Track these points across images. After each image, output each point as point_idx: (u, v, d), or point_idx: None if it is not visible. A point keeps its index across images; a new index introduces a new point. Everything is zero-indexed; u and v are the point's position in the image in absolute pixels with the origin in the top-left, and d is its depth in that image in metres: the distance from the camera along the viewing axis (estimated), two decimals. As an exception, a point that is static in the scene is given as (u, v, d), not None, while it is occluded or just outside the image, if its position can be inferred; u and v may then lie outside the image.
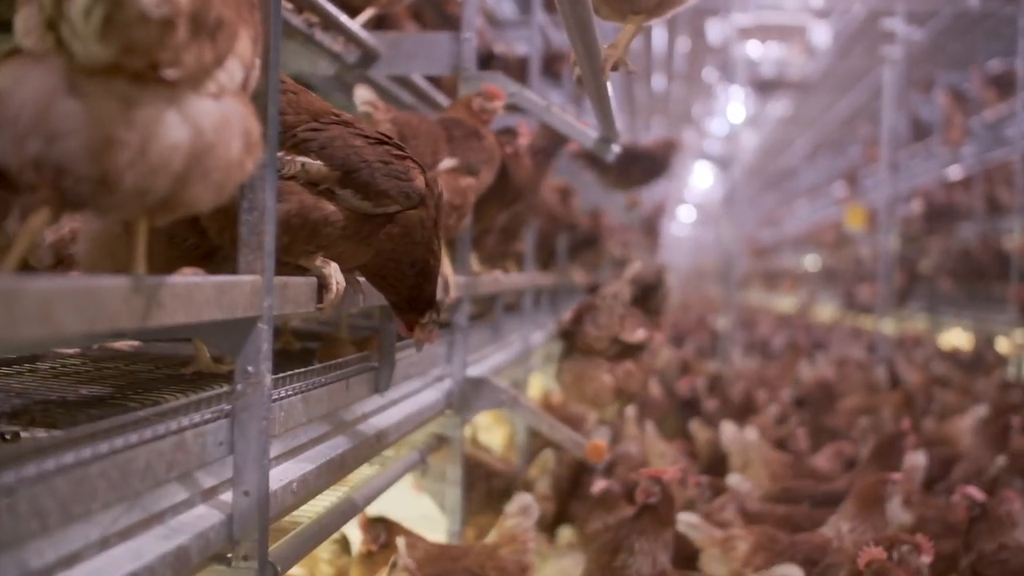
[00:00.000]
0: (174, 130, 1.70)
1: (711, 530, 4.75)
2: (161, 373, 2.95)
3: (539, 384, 8.99)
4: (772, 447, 6.93)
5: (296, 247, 2.74)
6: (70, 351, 3.31)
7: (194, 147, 1.73)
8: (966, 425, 7.57)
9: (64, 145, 1.61)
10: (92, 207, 1.73)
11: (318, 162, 2.72)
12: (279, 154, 2.63)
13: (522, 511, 4.34)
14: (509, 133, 4.83)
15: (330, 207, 2.75)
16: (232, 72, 1.84)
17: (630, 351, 5.46)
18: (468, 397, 4.74)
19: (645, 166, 9.84)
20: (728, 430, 6.88)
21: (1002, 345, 13.04)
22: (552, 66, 8.03)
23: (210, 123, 1.76)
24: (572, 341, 5.47)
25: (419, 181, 2.91)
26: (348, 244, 2.84)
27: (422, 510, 5.37)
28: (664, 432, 7.73)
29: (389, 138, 2.94)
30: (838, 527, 4.82)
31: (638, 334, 5.45)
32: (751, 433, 6.90)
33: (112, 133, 1.63)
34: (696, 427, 7.73)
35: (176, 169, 1.71)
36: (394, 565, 3.87)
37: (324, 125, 2.79)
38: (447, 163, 3.93)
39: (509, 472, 6.01)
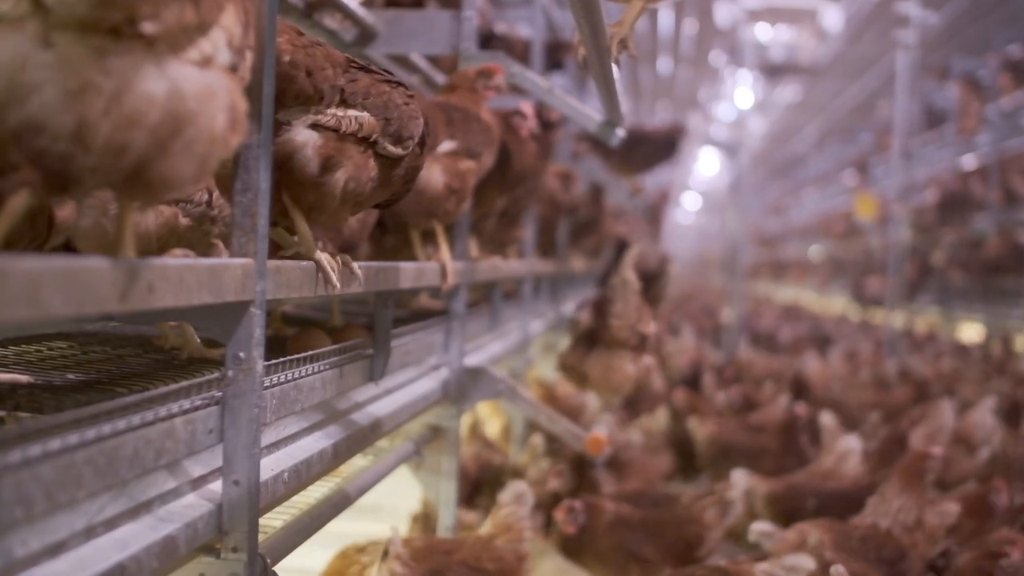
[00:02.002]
0: (150, 82, 1.69)
1: (783, 533, 4.80)
2: (150, 358, 2.95)
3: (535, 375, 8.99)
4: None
5: (343, 212, 2.78)
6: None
7: (173, 109, 1.73)
8: (978, 419, 7.60)
9: (38, 98, 1.60)
10: (71, 175, 1.72)
11: (365, 113, 2.73)
12: (331, 111, 2.66)
13: (516, 499, 4.32)
14: (519, 115, 4.82)
15: (372, 161, 2.77)
16: (216, 43, 1.84)
17: (644, 341, 5.74)
18: (465, 387, 4.75)
19: (649, 150, 9.82)
20: (827, 419, 7.17)
21: (1019, 341, 13.05)
22: (556, 55, 8.00)
23: (192, 90, 1.76)
24: (595, 336, 5.69)
25: (422, 118, 2.97)
26: (376, 193, 2.87)
27: (417, 503, 5.38)
28: (660, 422, 7.83)
29: (397, 77, 2.97)
30: (887, 507, 4.93)
31: (651, 326, 5.75)
32: (827, 418, 7.10)
33: (86, 79, 1.62)
34: (694, 424, 7.72)
35: (152, 123, 1.71)
36: (385, 554, 3.87)
37: (355, 75, 2.79)
38: (446, 146, 3.93)
39: (476, 471, 5.95)
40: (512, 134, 4.73)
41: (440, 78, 5.36)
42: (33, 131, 1.62)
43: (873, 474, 6.02)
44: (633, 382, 5.71)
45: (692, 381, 8.89)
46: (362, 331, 3.70)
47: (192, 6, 1.75)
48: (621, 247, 8.58)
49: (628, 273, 5.66)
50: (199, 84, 1.78)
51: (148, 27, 1.67)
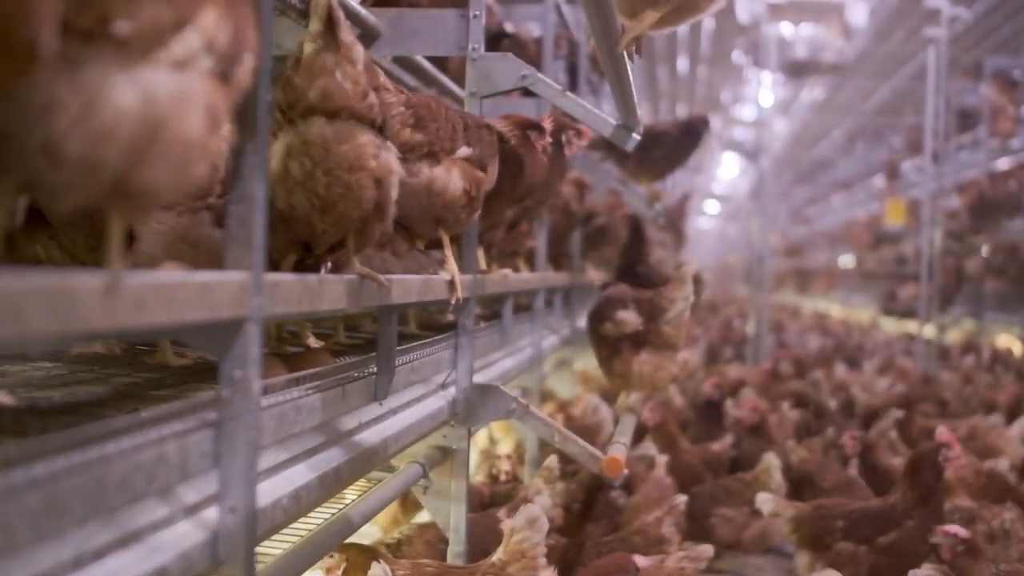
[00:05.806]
0: (120, 93, 1.68)
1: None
2: (140, 378, 2.94)
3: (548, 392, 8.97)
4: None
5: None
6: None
7: (145, 118, 1.72)
8: (1017, 433, 7.57)
9: (3, 109, 1.59)
10: (44, 187, 1.71)
11: None
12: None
13: (529, 524, 4.28)
14: (538, 132, 4.82)
15: None
16: (191, 44, 1.83)
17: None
18: (474, 406, 4.72)
19: (667, 151, 9.74)
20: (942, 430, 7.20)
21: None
22: (570, 57, 7.97)
23: (164, 94, 1.75)
24: (642, 338, 6.05)
25: None
26: None
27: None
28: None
29: None
30: None
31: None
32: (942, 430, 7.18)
33: (53, 95, 1.61)
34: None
35: (125, 138, 1.69)
36: None
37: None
38: (463, 151, 3.91)
39: None
40: (526, 146, 4.72)
41: (447, 81, 5.36)
42: None
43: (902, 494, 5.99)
44: (673, 379, 6.56)
45: (716, 404, 8.89)
46: (328, 356, 3.64)
47: (166, 5, 1.74)
48: (637, 225, 8.68)
49: (689, 287, 6.06)
50: (171, 88, 1.77)
51: (122, 27, 1.66)
